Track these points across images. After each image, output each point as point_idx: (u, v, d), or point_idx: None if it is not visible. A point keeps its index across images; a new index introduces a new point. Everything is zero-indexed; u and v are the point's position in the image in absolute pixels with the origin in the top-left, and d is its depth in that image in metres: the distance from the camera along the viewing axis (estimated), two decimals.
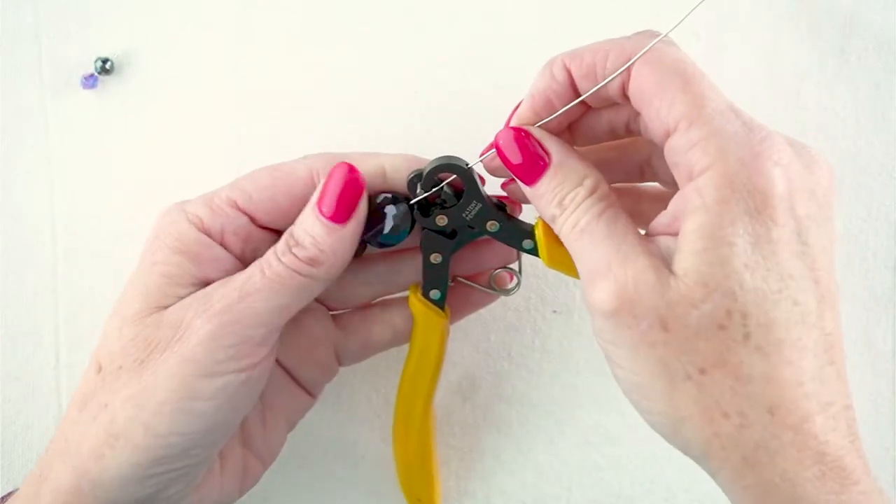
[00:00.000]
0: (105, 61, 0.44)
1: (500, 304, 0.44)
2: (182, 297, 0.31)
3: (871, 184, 0.45)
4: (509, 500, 0.47)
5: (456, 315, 0.38)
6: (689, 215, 0.26)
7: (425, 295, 0.35)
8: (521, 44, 0.45)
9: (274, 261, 0.31)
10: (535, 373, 0.46)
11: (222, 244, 0.32)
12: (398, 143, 0.45)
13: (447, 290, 0.35)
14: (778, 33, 0.45)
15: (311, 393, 0.38)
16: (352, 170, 0.32)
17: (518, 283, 0.37)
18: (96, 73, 0.44)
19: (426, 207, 0.34)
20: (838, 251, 0.30)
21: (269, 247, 0.32)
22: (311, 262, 0.31)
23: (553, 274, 0.43)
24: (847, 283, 0.45)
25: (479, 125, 0.46)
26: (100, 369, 0.31)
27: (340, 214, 0.31)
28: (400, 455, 0.39)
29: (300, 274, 0.31)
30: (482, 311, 0.41)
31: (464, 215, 0.34)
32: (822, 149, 0.45)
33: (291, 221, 0.32)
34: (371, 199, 0.33)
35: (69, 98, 0.45)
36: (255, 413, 0.36)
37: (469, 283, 0.37)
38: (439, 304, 0.35)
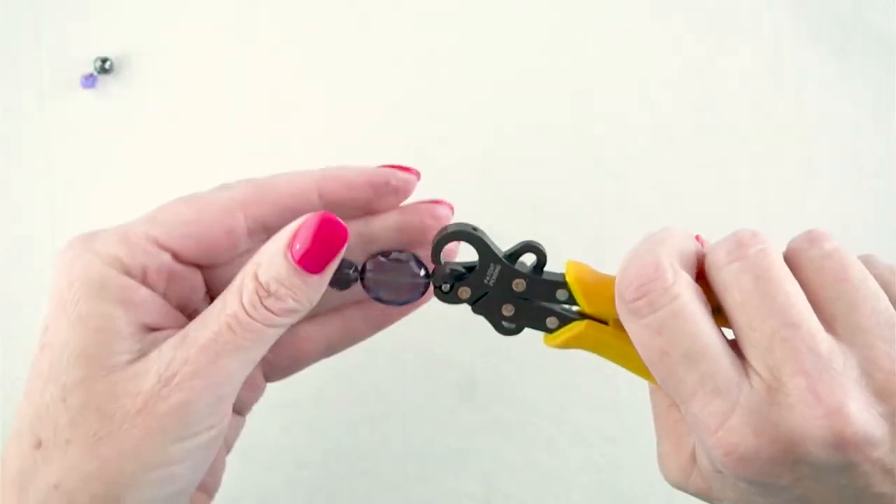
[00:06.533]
0: (104, 61, 0.44)
1: None
2: (130, 353, 0.27)
3: (871, 184, 0.45)
4: (509, 500, 0.47)
5: (392, 317, 0.35)
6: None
7: (551, 331, 0.32)
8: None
9: (243, 315, 0.27)
10: (536, 373, 0.46)
11: (145, 284, 0.28)
12: (399, 142, 0.46)
13: (555, 311, 0.31)
14: (778, 33, 0.45)
15: (242, 413, 0.35)
16: (328, 219, 0.28)
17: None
18: (95, 73, 0.44)
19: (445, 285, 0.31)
20: None
21: (194, 285, 0.29)
22: (288, 313, 0.28)
23: None
24: None
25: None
26: (39, 444, 0.27)
27: (317, 265, 0.28)
28: None
29: (274, 326, 0.28)
30: None
31: (486, 281, 0.31)
32: (823, 149, 0.46)
33: (217, 257, 0.29)
34: (385, 253, 0.31)
35: (68, 97, 0.45)
36: None
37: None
38: (567, 321, 0.31)
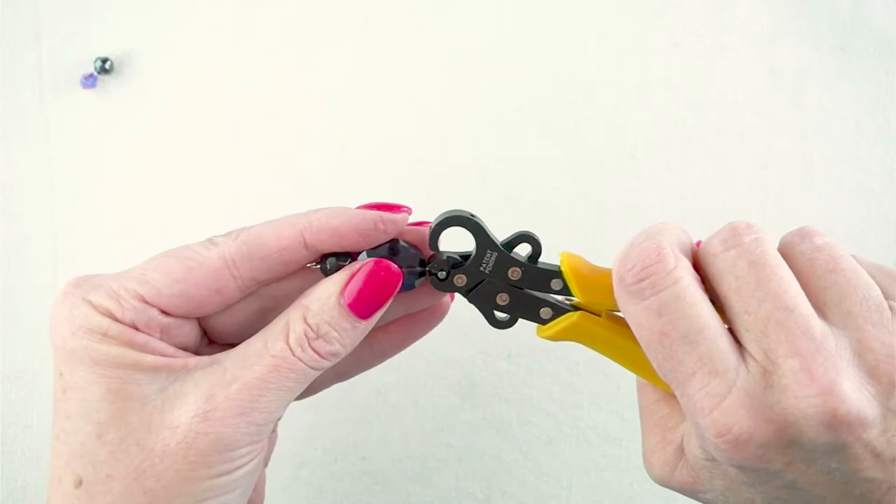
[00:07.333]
0: (104, 61, 0.44)
1: None
2: (157, 383, 0.28)
3: (871, 183, 0.45)
4: (509, 500, 0.47)
5: (398, 346, 0.36)
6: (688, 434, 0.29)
7: (544, 321, 0.32)
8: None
9: (289, 356, 0.28)
10: (535, 373, 0.46)
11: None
12: (399, 142, 0.46)
13: (549, 302, 0.31)
14: (778, 33, 0.45)
15: (273, 430, 0.36)
16: (384, 266, 0.29)
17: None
18: (95, 73, 0.44)
19: (441, 272, 0.31)
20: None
21: (188, 332, 0.30)
22: (331, 356, 0.29)
23: None
24: None
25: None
26: (80, 482, 0.27)
27: (368, 310, 0.29)
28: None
29: (316, 369, 0.29)
30: None
31: (482, 269, 0.31)
32: (822, 149, 0.46)
33: (207, 312, 0.30)
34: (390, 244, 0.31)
35: (69, 97, 0.45)
36: None
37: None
38: (561, 312, 0.31)
